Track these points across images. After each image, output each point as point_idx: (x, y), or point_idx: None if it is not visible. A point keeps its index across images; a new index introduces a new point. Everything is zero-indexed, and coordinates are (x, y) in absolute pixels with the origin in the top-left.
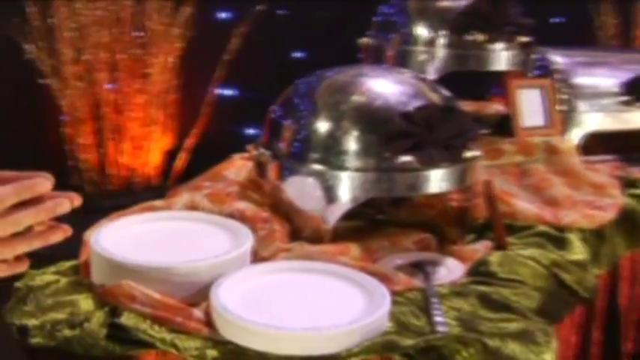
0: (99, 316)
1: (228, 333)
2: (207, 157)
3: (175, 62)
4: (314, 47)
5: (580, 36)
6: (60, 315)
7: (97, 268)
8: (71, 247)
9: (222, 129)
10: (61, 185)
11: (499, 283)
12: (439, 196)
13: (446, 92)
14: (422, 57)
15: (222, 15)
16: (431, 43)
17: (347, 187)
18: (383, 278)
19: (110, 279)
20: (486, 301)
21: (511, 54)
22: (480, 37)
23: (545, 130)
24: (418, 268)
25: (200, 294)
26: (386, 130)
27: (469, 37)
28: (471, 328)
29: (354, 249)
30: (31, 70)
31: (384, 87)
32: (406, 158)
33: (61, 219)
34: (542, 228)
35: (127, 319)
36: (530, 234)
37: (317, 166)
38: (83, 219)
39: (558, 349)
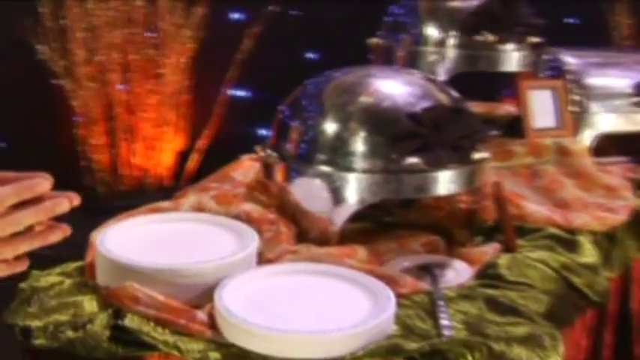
0: (102, 318)
1: (232, 335)
2: (219, 158)
3: (188, 63)
4: (327, 48)
5: (594, 36)
6: (63, 316)
7: (102, 270)
8: (79, 248)
9: (234, 130)
10: (73, 186)
11: (507, 286)
12: (447, 198)
13: (455, 93)
14: (432, 57)
15: (235, 15)
16: (441, 43)
17: (354, 188)
18: (389, 281)
19: (115, 280)
20: (493, 304)
21: (522, 54)
22: (490, 37)
23: (557, 132)
24: (426, 270)
25: (205, 296)
26: (393, 131)
27: (480, 38)
28: (477, 331)
29: (361, 251)
30: (44, 71)
31: (392, 88)
32: (414, 160)
33: (73, 220)
34: (552, 230)
35: (130, 321)
36: (540, 236)
37: (324, 168)
38: (95, 219)
39: (566, 353)
